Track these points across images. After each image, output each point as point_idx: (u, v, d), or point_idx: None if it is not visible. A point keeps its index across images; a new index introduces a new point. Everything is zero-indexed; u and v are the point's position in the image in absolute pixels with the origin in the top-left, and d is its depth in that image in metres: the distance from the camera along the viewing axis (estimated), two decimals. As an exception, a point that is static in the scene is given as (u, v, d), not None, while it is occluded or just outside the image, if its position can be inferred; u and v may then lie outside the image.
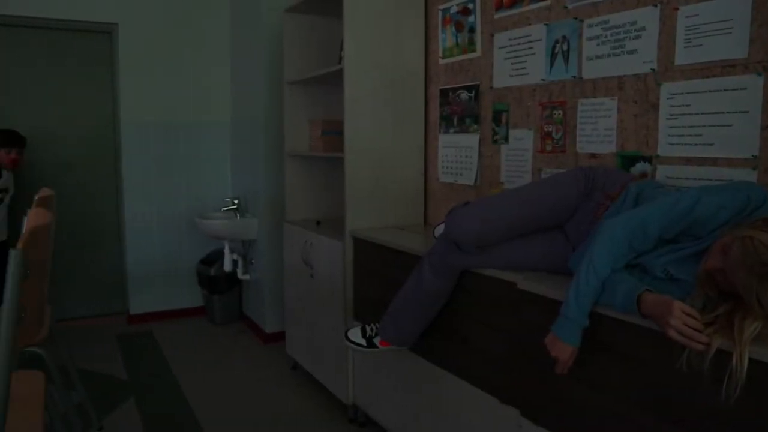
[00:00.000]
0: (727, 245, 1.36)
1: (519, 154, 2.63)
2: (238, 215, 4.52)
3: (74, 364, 2.87)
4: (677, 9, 1.95)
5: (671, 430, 1.44)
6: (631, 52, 2.11)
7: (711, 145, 1.89)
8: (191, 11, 4.61)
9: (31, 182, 4.17)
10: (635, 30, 2.09)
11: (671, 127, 2.00)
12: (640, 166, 2.11)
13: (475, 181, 2.89)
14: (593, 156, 2.29)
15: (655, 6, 2.02)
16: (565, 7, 2.36)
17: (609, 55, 2.20)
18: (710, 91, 1.88)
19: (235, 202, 4.56)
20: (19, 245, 1.27)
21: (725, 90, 1.84)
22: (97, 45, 4.58)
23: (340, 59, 3.00)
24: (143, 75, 4.49)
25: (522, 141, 2.61)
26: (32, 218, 1.47)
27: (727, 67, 1.83)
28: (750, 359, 1.25)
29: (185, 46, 4.62)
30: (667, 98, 2.00)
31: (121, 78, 4.44)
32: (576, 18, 2.32)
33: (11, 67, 4.32)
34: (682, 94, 1.96)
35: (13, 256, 1.18)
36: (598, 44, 2.23)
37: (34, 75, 4.40)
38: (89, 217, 4.66)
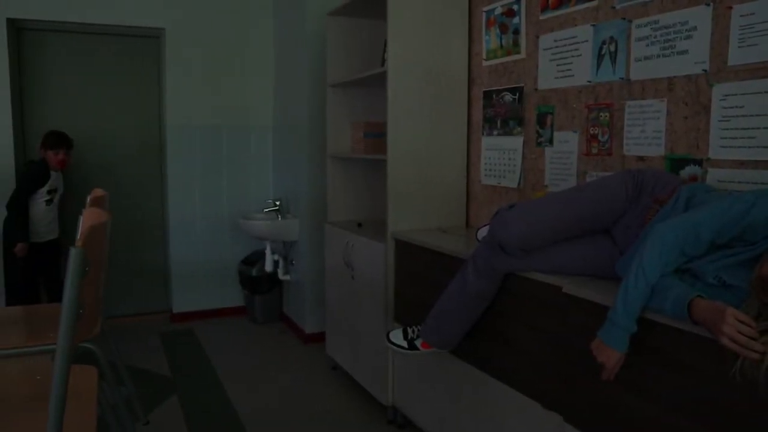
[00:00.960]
0: (785, 251, 1.32)
1: (564, 157, 2.60)
2: (279, 216, 4.57)
3: (122, 360, 2.94)
4: (731, 8, 1.90)
5: (724, 439, 1.41)
6: (682, 52, 2.07)
7: (766, 147, 1.84)
8: (236, 16, 4.69)
9: (78, 183, 4.31)
10: (686, 30, 2.05)
11: (723, 129, 1.95)
12: (689, 169, 2.06)
13: (519, 183, 2.87)
14: (641, 159, 2.25)
15: (708, 5, 1.97)
16: (613, 8, 2.32)
17: (658, 56, 2.16)
18: (765, 92, 1.82)
19: (277, 203, 4.61)
20: (79, 243, 1.31)
21: (781, 91, 1.79)
22: (144, 49, 4.70)
23: (384, 61, 3.02)
24: (189, 78, 4.59)
25: (567, 143, 2.58)
26: (88, 217, 1.51)
27: (784, 68, 1.78)
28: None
29: (230, 50, 4.71)
30: (720, 99, 1.95)
31: (168, 81, 4.55)
32: (624, 18, 2.28)
33: (61, 70, 4.46)
34: (735, 95, 1.91)
35: (74, 254, 1.21)
36: (647, 45, 2.19)
37: (83, 78, 4.53)
38: (134, 217, 4.77)
